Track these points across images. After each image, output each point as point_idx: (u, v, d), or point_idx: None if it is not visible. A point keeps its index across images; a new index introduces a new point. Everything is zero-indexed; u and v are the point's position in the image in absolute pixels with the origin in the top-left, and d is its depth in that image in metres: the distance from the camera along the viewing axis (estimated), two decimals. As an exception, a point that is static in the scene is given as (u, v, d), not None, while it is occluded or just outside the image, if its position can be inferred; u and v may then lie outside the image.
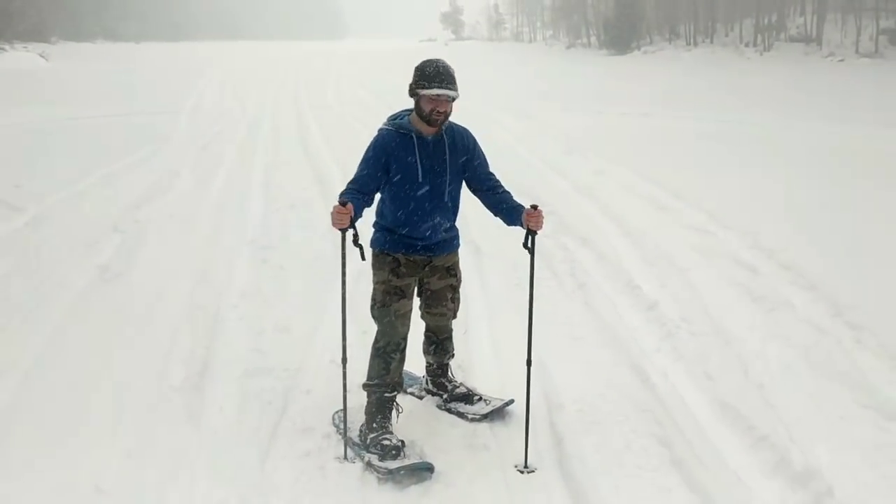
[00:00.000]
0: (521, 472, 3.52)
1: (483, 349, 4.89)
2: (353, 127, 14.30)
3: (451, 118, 3.72)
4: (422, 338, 4.18)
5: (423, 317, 4.09)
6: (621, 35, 59.99)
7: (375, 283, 3.85)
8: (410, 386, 4.32)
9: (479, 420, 3.98)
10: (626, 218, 8.03)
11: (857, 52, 41.58)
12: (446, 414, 4.08)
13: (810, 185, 9.56)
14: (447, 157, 3.71)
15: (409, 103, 3.70)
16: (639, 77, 33.26)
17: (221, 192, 9.47)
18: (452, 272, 3.98)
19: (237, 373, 4.42)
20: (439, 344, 4.17)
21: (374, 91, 25.11)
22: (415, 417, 4.00)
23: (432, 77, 3.50)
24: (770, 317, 5.34)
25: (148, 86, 28.31)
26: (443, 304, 4.01)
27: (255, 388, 4.26)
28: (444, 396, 4.17)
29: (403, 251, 3.79)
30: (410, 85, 3.58)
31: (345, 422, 3.69)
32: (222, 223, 7.99)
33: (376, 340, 3.86)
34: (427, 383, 4.29)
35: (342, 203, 3.50)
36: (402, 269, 3.79)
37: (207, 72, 36.61)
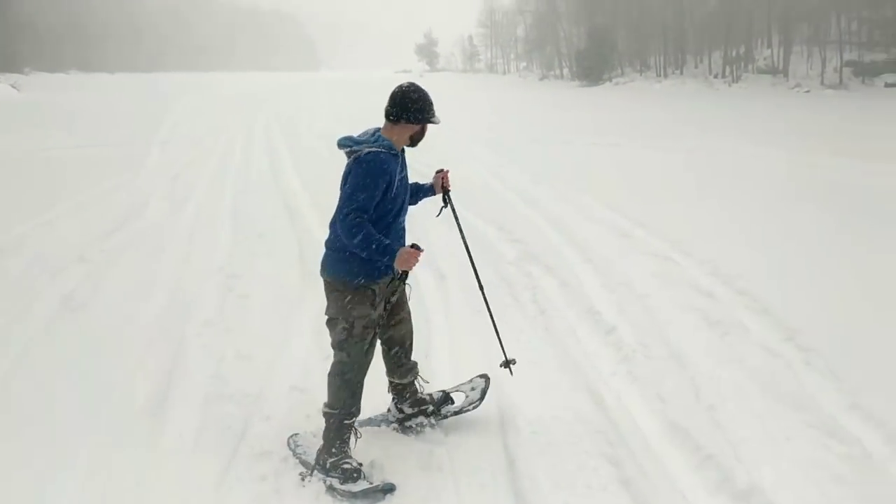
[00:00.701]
0: None
1: (444, 370, 4.98)
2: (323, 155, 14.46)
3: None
4: (381, 366, 4.07)
5: (388, 331, 4.00)
6: (593, 67, 61.04)
7: (355, 317, 3.67)
8: (377, 423, 4.25)
9: (477, 405, 4.18)
10: (590, 246, 8.18)
11: (822, 83, 42.64)
12: (400, 435, 4.15)
13: (768, 212, 9.81)
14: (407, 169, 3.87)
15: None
16: (609, 108, 33.82)
17: (190, 222, 9.51)
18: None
19: (198, 399, 4.47)
20: (407, 352, 4.11)
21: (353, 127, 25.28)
22: (369, 440, 4.05)
23: (432, 106, 3.71)
24: (724, 341, 5.48)
25: (120, 116, 28.29)
26: (405, 305, 4.06)
27: (214, 413, 4.31)
28: (430, 409, 4.17)
29: (378, 278, 3.71)
30: (415, 113, 3.65)
31: None
32: (190, 252, 8.04)
33: (344, 372, 3.74)
34: (401, 411, 4.17)
35: (416, 247, 3.56)
36: (377, 299, 3.74)
37: (181, 102, 36.64)
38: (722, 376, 4.85)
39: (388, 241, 3.52)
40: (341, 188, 3.66)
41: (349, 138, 3.72)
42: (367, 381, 3.82)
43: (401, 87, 3.74)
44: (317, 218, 9.64)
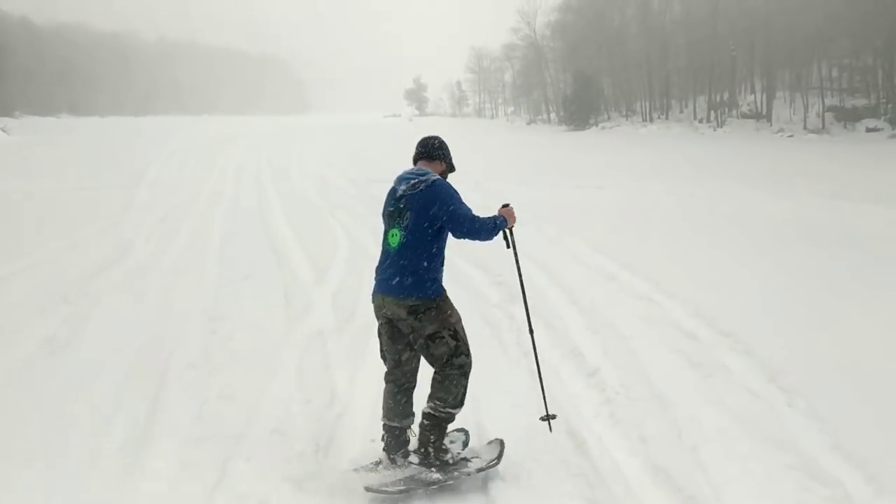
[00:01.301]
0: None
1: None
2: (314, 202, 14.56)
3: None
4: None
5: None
6: (580, 111, 61.87)
7: (453, 322, 4.06)
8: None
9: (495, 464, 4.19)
10: (575, 288, 8.21)
11: (805, 128, 43.33)
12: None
13: (751, 253, 9.88)
14: None
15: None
16: (595, 152, 34.20)
17: (176, 263, 9.51)
18: None
19: (177, 441, 4.43)
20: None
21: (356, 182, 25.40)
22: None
23: None
24: (707, 382, 5.49)
25: (110, 159, 28.38)
26: None
27: (193, 455, 4.27)
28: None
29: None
30: (448, 156, 4.39)
31: None
32: (175, 294, 8.02)
33: (467, 372, 4.11)
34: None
35: (507, 206, 4.47)
36: None
37: (170, 145, 36.81)
38: (704, 417, 4.85)
39: (492, 214, 4.30)
40: (404, 214, 4.02)
41: (412, 172, 4.16)
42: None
43: (435, 136, 4.42)
44: (304, 261, 9.67)
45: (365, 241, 10.65)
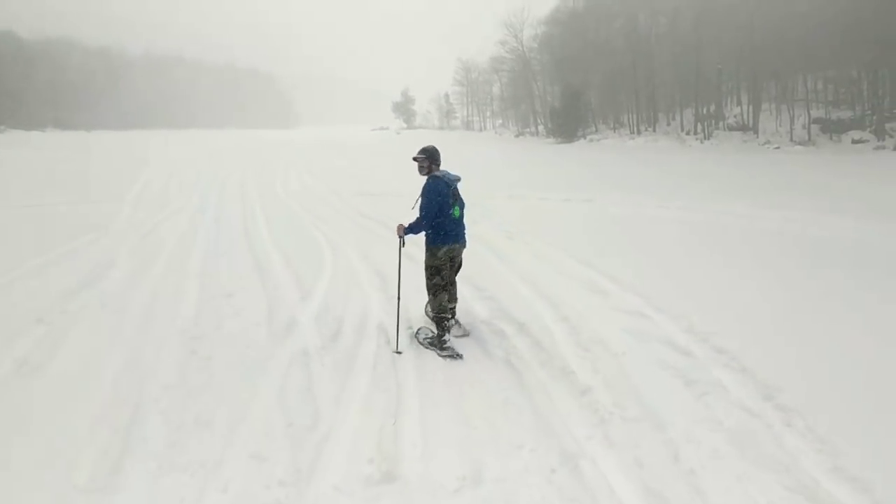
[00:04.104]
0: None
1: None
2: (303, 218, 14.31)
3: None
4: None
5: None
6: (567, 124, 62.01)
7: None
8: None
9: None
10: (563, 302, 8.06)
11: (791, 139, 43.50)
12: None
13: (743, 267, 9.76)
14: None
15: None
16: (583, 164, 34.17)
17: (157, 282, 9.27)
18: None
19: (150, 470, 4.22)
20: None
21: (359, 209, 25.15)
22: None
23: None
24: (702, 401, 5.34)
25: (94, 174, 28.08)
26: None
27: (167, 485, 4.07)
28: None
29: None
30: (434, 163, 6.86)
31: None
32: (154, 313, 7.79)
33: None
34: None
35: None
36: None
37: (155, 160, 36.56)
38: (700, 438, 4.70)
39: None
40: (458, 197, 6.91)
41: (452, 173, 6.89)
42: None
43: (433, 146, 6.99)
44: (288, 277, 9.47)
45: (349, 254, 10.46)
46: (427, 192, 6.60)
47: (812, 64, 44.51)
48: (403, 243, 6.88)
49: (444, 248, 6.76)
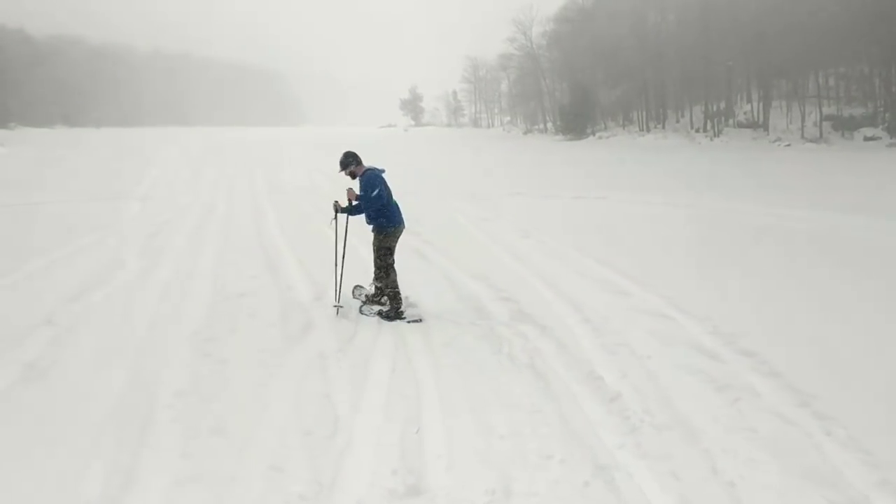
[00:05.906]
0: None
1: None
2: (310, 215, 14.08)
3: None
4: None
5: None
6: (576, 121, 61.70)
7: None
8: None
9: None
10: (583, 303, 7.86)
11: (802, 137, 43.12)
12: None
13: (764, 267, 9.56)
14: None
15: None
16: (594, 162, 33.93)
17: (167, 281, 9.08)
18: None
19: (163, 483, 4.01)
20: None
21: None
22: None
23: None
24: (735, 407, 5.13)
25: (102, 172, 27.96)
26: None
27: (180, 500, 3.85)
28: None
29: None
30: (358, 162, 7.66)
31: None
32: (165, 314, 7.59)
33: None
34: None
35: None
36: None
37: (164, 157, 36.47)
38: (736, 448, 4.49)
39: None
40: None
41: (380, 168, 7.69)
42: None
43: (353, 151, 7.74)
44: (300, 274, 9.30)
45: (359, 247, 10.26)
46: (373, 182, 7.36)
47: (823, 60, 44.08)
48: (336, 218, 7.72)
49: (397, 229, 7.58)
